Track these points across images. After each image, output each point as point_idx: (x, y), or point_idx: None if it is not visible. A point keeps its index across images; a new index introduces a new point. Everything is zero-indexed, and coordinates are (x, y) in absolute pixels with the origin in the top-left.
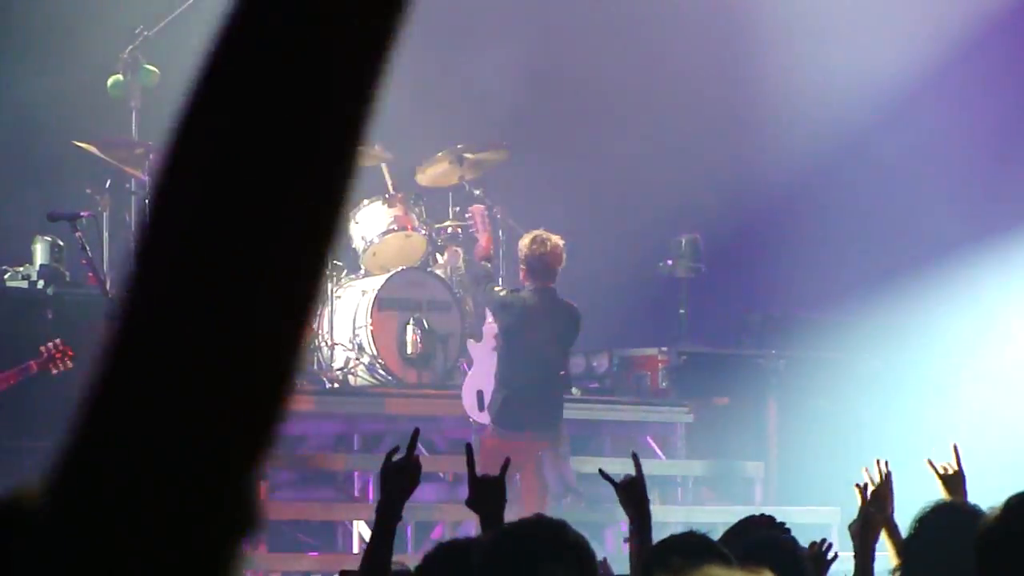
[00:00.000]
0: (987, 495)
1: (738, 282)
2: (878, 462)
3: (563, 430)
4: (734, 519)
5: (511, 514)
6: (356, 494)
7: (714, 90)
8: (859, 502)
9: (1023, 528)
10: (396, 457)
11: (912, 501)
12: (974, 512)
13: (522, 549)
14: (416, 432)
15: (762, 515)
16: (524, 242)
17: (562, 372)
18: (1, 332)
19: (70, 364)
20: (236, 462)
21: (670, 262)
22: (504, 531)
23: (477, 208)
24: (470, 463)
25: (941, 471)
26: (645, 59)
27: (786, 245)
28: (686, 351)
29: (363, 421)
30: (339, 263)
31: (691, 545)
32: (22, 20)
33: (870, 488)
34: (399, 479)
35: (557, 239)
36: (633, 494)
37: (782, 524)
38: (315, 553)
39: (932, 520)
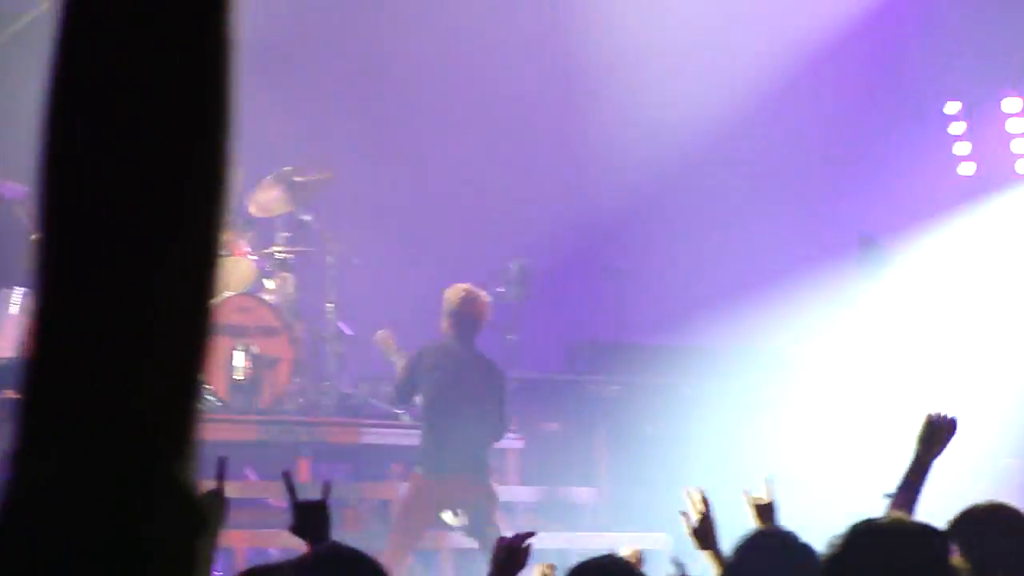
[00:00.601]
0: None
1: (568, 308)
2: (690, 492)
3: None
4: (567, 546)
5: None
6: None
7: (544, 117)
8: (685, 529)
9: (866, 558)
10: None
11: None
12: (790, 537)
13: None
14: (221, 461)
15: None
16: (454, 295)
17: (483, 418)
18: None
19: None
20: (163, 455)
21: (500, 289)
22: (307, 557)
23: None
24: (290, 489)
25: (754, 501)
26: (476, 85)
27: (616, 271)
28: (515, 377)
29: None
30: None
31: (611, 569)
32: None
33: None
34: (210, 507)
35: (486, 296)
36: (939, 439)
37: None
38: None
39: (751, 545)
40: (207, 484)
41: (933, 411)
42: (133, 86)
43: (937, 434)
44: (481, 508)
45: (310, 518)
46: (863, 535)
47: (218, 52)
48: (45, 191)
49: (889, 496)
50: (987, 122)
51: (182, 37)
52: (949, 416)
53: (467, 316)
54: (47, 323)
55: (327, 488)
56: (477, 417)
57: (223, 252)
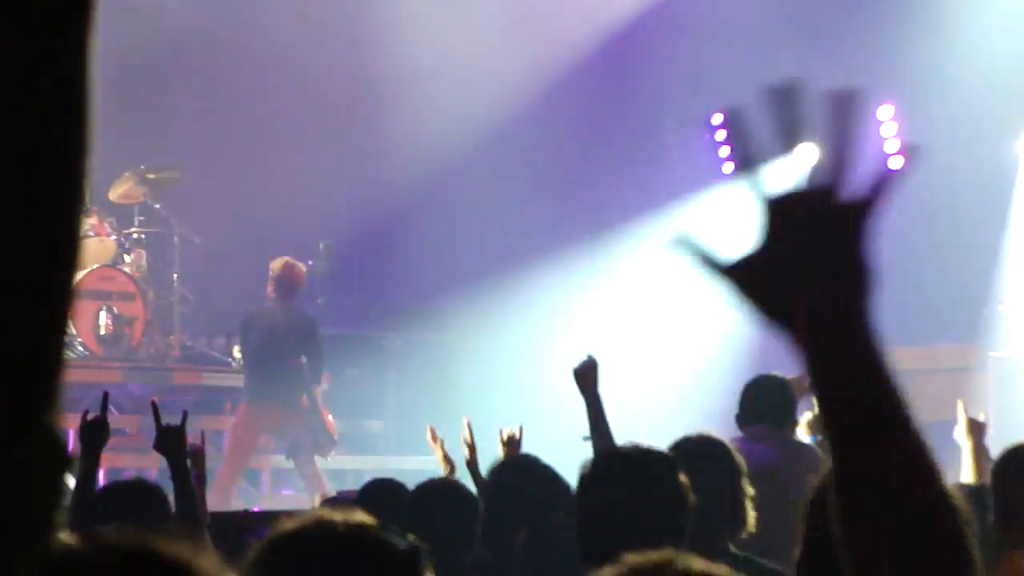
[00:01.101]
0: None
1: (364, 278)
2: (464, 425)
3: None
4: (363, 467)
5: None
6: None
7: (348, 119)
8: (464, 452)
9: (613, 477)
10: (90, 417)
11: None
12: (533, 460)
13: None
14: (105, 395)
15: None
16: (277, 264)
17: (294, 361)
18: None
19: None
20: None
21: (310, 262)
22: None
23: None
24: (156, 415)
25: (507, 435)
26: (292, 94)
27: (407, 245)
28: (324, 333)
29: (72, 389)
30: None
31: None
32: None
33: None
34: (93, 434)
35: (302, 266)
36: (588, 378)
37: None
38: None
39: (504, 468)
40: (93, 415)
41: (575, 363)
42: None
43: (583, 377)
44: (293, 432)
45: (170, 439)
46: (608, 459)
47: (82, 59)
48: None
49: (587, 438)
50: (701, 136)
51: (48, 48)
52: (587, 358)
53: (286, 281)
54: None
55: (184, 415)
56: (289, 359)
57: (87, 233)
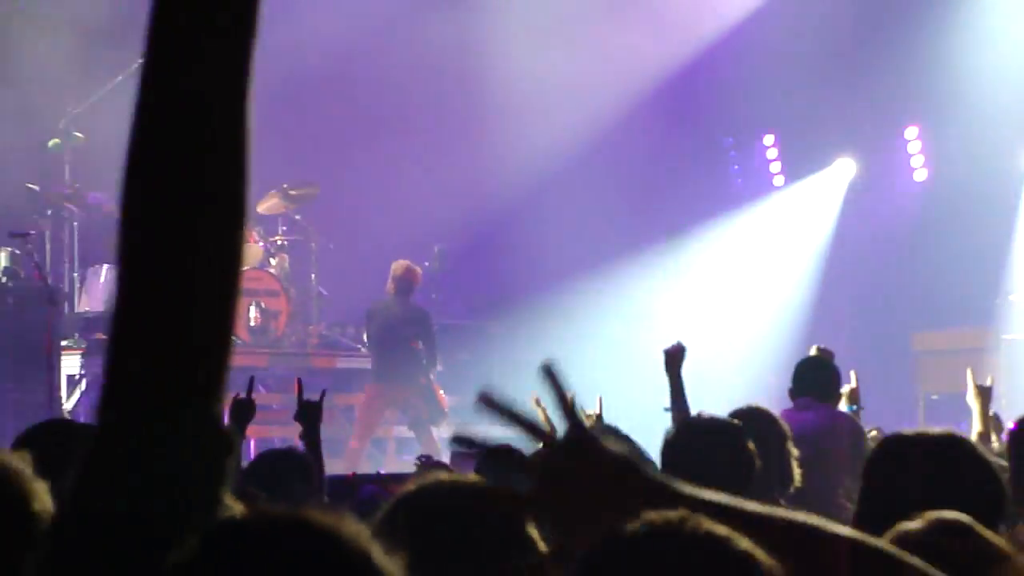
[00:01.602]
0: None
1: (473, 275)
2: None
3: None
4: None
5: None
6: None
7: (458, 137)
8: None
9: (692, 444)
10: (240, 397)
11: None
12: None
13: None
14: (251, 379)
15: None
16: (398, 266)
17: (411, 346)
18: None
19: None
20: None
21: (427, 263)
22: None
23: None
24: (299, 391)
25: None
26: (411, 116)
27: (508, 247)
28: (440, 323)
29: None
30: None
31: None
32: None
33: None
34: (241, 411)
35: (419, 268)
36: (675, 360)
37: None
38: None
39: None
40: (242, 395)
41: (666, 345)
42: (186, 129)
43: (672, 358)
44: (413, 406)
45: (309, 411)
46: (688, 427)
47: (244, 97)
48: (124, 201)
49: (668, 409)
50: (753, 151)
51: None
52: (676, 344)
53: (405, 280)
54: (123, 289)
55: (323, 393)
56: (407, 346)
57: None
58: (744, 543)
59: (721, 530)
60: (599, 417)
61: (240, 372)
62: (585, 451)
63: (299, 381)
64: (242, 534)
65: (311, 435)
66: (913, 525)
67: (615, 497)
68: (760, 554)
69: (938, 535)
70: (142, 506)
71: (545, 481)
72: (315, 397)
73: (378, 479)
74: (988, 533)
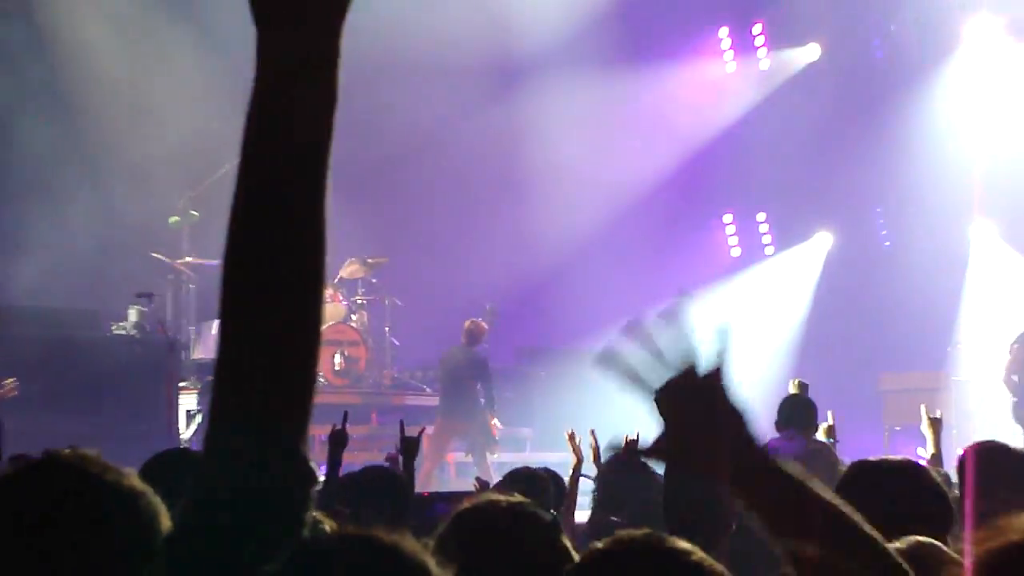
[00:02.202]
0: None
1: (519, 327)
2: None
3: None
4: (517, 461)
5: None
6: (316, 447)
7: (503, 209)
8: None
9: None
10: (336, 428)
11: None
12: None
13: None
14: (345, 414)
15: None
16: (469, 323)
17: (471, 387)
18: (117, 360)
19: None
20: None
21: (481, 318)
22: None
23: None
24: (402, 430)
25: (591, 445)
26: (461, 182)
27: (549, 303)
28: (491, 367)
29: (317, 408)
30: None
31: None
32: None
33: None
34: (338, 440)
35: (483, 323)
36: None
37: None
38: None
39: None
40: (338, 426)
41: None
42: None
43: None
44: (472, 438)
45: (410, 444)
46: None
47: (322, 195)
48: (225, 274)
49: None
50: (749, 226)
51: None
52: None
53: (470, 334)
54: (225, 341)
55: (421, 430)
56: (469, 387)
57: (327, 301)
58: (697, 555)
59: (680, 544)
60: (634, 448)
61: (331, 408)
62: (713, 389)
63: (401, 422)
64: (321, 551)
65: (408, 462)
66: (897, 545)
67: (723, 438)
68: (716, 566)
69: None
70: (239, 524)
71: (671, 417)
72: (390, 430)
73: (448, 497)
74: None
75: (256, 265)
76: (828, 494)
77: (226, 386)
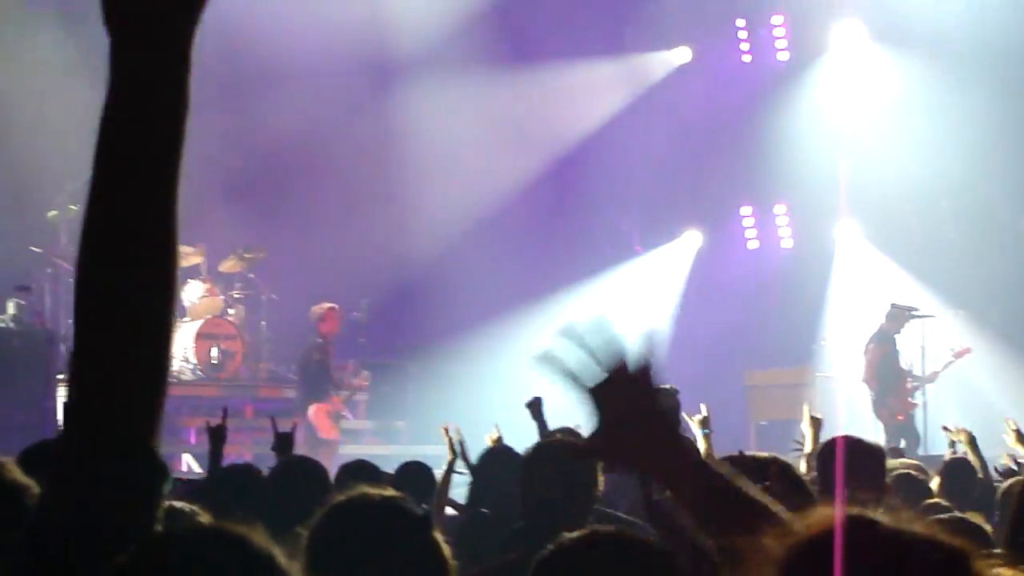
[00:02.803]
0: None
1: (393, 322)
2: (446, 430)
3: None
4: (390, 454)
5: None
6: (188, 438)
7: (379, 205)
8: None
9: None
10: (214, 423)
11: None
12: (510, 449)
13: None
14: (225, 410)
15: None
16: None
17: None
18: None
19: None
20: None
21: (356, 313)
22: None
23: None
24: (274, 425)
25: (494, 435)
26: (341, 185)
27: (423, 298)
28: (367, 362)
29: (193, 401)
30: (177, 314)
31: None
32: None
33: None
34: (218, 434)
35: (315, 311)
36: (536, 410)
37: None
38: None
39: (488, 454)
40: (216, 421)
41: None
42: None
43: (534, 408)
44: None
45: (284, 441)
46: (540, 448)
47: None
48: (80, 276)
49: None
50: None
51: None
52: (534, 399)
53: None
54: (79, 338)
55: (294, 425)
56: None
57: (204, 295)
58: (664, 546)
59: (647, 538)
60: (499, 439)
61: (206, 400)
62: (641, 389)
63: (273, 419)
64: (171, 543)
65: (215, 448)
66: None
67: (652, 435)
68: (674, 555)
69: None
70: (90, 516)
71: (609, 417)
72: (264, 423)
73: None
74: None
75: (107, 269)
76: (753, 489)
77: (78, 383)
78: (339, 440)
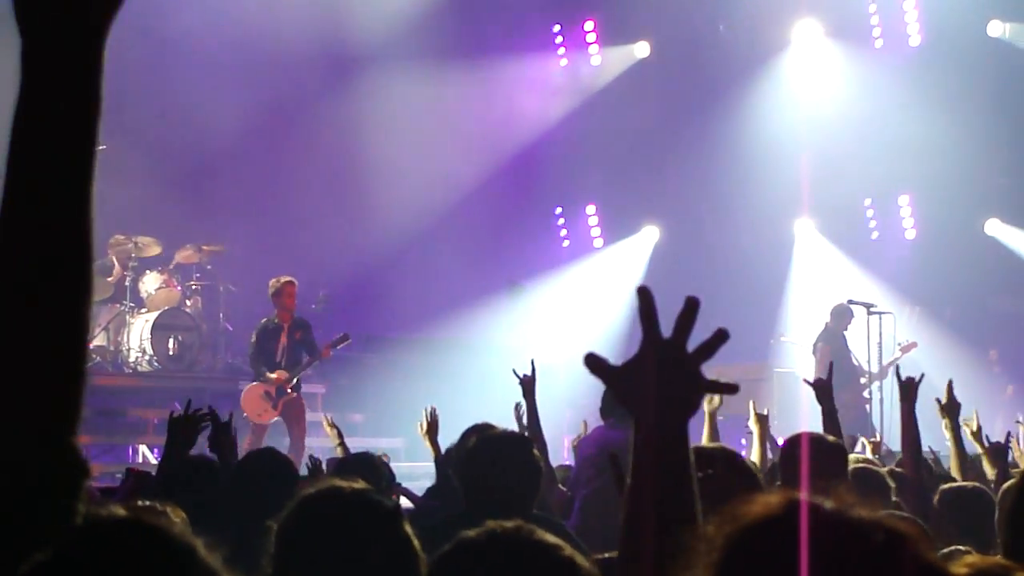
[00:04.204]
0: None
1: (351, 315)
2: (427, 408)
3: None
4: (349, 446)
5: None
6: (149, 431)
7: (339, 200)
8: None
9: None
10: (176, 415)
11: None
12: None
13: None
14: (188, 402)
15: None
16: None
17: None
18: None
19: None
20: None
21: (313, 306)
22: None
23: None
24: (186, 408)
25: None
26: (301, 180)
27: (381, 292)
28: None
29: (150, 392)
30: (134, 304)
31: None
32: None
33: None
34: (182, 427)
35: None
36: (529, 388)
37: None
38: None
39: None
40: (178, 413)
41: (521, 374)
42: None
43: (527, 385)
44: (292, 411)
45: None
46: (486, 438)
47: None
48: None
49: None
50: (578, 218)
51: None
52: (528, 375)
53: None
54: None
55: (230, 415)
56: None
57: (162, 285)
58: (568, 550)
59: (550, 539)
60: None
61: (163, 392)
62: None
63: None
64: (89, 537)
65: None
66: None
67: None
68: (582, 560)
69: None
70: (6, 513)
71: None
72: (222, 412)
73: None
74: None
75: (20, 267)
76: (694, 491)
77: None
78: (267, 425)
